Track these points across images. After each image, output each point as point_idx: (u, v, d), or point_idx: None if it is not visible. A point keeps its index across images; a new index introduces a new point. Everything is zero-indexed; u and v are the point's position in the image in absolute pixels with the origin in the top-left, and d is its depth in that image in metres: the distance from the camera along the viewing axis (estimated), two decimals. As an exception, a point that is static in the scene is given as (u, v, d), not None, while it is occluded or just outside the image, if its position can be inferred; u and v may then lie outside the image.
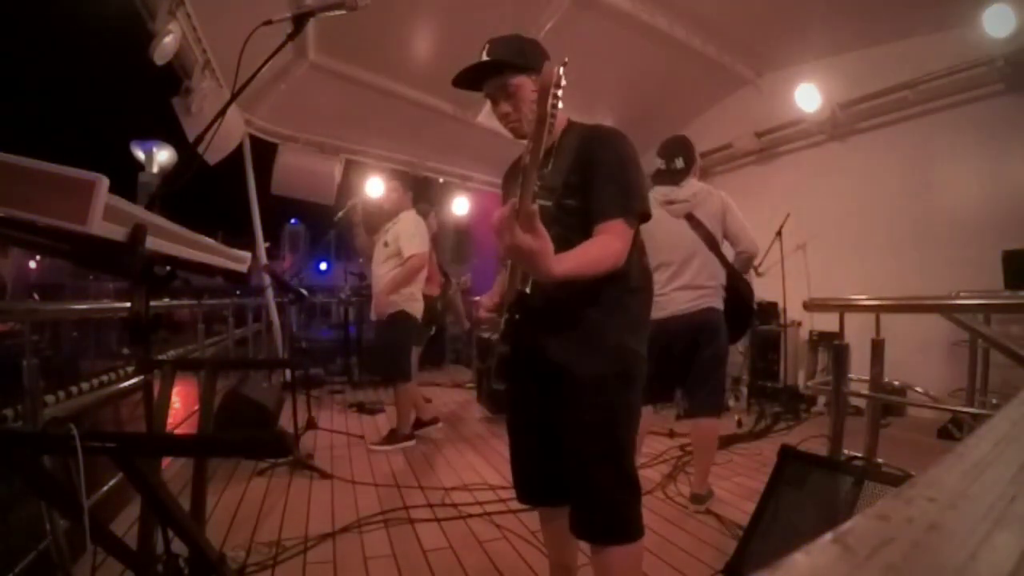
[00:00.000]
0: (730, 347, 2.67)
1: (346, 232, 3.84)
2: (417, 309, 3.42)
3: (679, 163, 2.57)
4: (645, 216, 1.26)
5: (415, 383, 3.60)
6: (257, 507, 2.40)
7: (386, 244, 3.40)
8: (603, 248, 1.17)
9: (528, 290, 1.20)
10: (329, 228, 4.11)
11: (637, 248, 1.31)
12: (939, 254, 3.94)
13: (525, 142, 1.28)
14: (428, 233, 3.56)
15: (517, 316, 1.24)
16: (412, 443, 3.42)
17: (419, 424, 3.61)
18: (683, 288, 2.45)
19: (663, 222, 2.44)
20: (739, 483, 2.75)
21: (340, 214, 3.73)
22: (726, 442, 3.40)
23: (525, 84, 1.29)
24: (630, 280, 1.29)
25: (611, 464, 1.26)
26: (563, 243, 1.07)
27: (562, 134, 1.33)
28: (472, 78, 1.32)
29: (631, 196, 1.22)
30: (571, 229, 1.20)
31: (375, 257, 3.45)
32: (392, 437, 3.40)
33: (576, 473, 1.29)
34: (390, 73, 4.83)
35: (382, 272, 3.36)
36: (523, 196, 0.93)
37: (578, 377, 1.26)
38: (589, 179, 1.23)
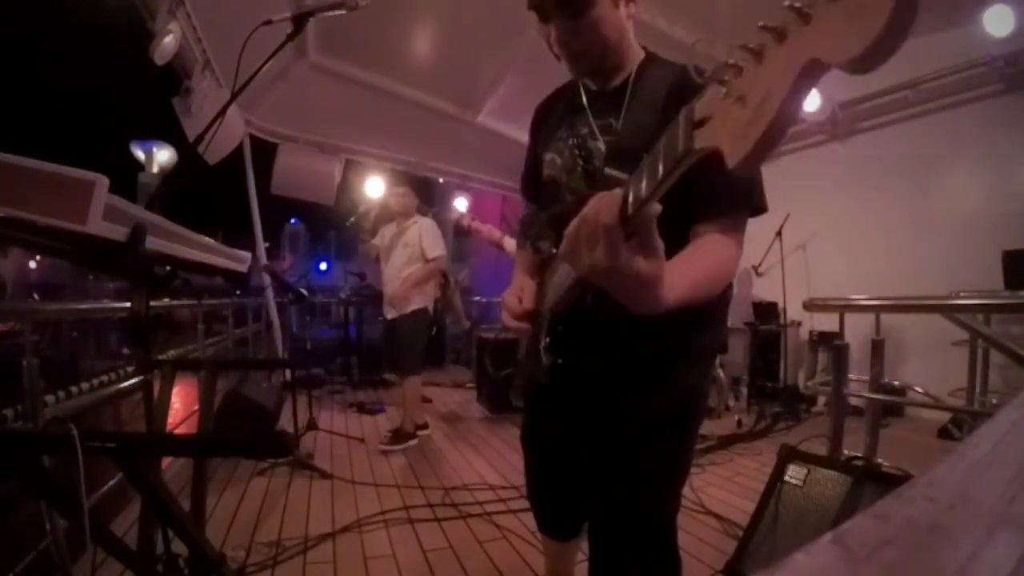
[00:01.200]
0: (730, 347, 2.72)
1: (355, 236, 3.87)
2: (430, 307, 3.59)
3: None
4: (762, 210, 0.90)
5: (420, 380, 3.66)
6: (257, 507, 2.40)
7: (406, 246, 3.51)
8: (724, 261, 0.83)
9: (588, 300, 0.88)
10: (330, 228, 4.13)
11: None
12: (939, 254, 3.94)
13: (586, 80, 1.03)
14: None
15: (561, 328, 0.96)
16: (415, 442, 3.44)
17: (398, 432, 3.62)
18: None
19: None
20: (739, 483, 2.75)
21: (352, 219, 3.78)
22: (726, 442, 3.40)
23: (601, 3, 0.93)
24: (723, 304, 1.00)
25: (658, 524, 1.03)
26: None
27: (640, 68, 0.97)
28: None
29: (755, 182, 0.87)
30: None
31: (393, 260, 3.53)
32: (400, 436, 3.41)
33: (612, 528, 1.04)
34: (390, 73, 4.83)
35: (405, 274, 3.46)
36: (640, 189, 0.55)
37: (639, 417, 0.98)
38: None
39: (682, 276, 0.71)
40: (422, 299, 3.49)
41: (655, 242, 0.60)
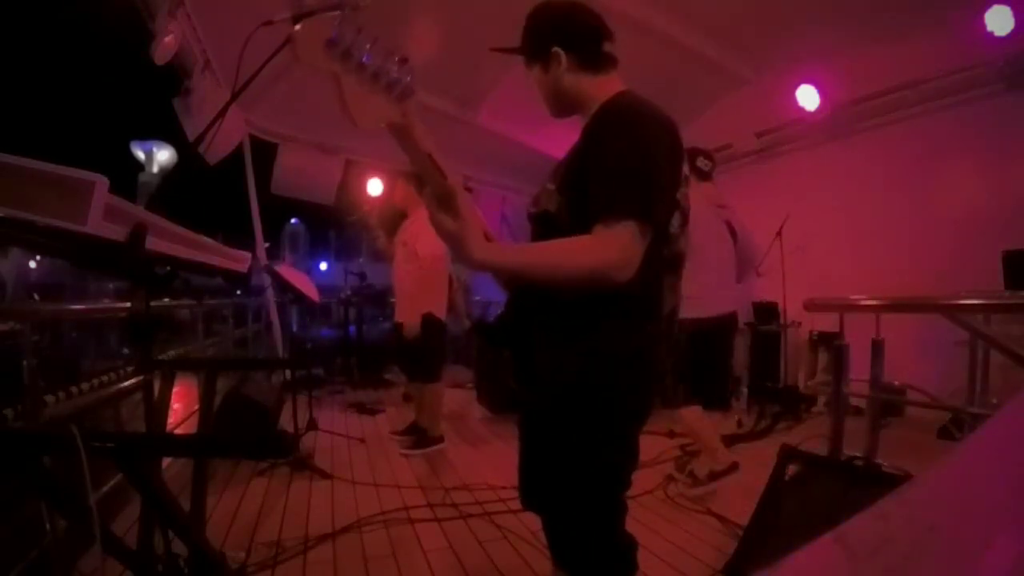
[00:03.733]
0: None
1: (367, 237, 3.82)
2: (443, 313, 3.36)
3: (709, 164, 2.75)
4: (656, 222, 0.97)
5: (442, 385, 3.51)
6: (257, 507, 2.40)
7: (404, 244, 3.35)
8: (574, 250, 0.94)
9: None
10: (330, 228, 4.13)
11: (658, 272, 1.05)
12: (939, 254, 3.94)
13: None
14: None
15: (509, 313, 1.16)
16: (437, 447, 3.34)
17: (412, 426, 3.59)
18: (726, 289, 2.68)
19: (713, 224, 2.63)
20: (739, 483, 2.74)
21: (354, 216, 3.72)
22: (726, 442, 3.39)
23: (535, 72, 1.17)
24: (626, 306, 1.02)
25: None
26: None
27: (592, 116, 1.11)
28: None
29: (633, 190, 0.94)
30: (578, 226, 0.97)
31: (396, 258, 3.41)
32: (423, 440, 3.33)
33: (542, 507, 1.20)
34: (390, 73, 4.82)
35: (403, 273, 3.32)
36: (438, 170, 0.87)
37: (536, 403, 1.12)
38: (587, 167, 1.01)
39: (507, 248, 0.97)
40: (427, 303, 3.24)
41: (459, 209, 0.87)
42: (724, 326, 2.72)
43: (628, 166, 0.95)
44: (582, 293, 0.97)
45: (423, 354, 3.31)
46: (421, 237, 3.19)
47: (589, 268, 0.92)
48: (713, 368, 2.78)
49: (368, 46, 0.75)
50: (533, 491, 1.20)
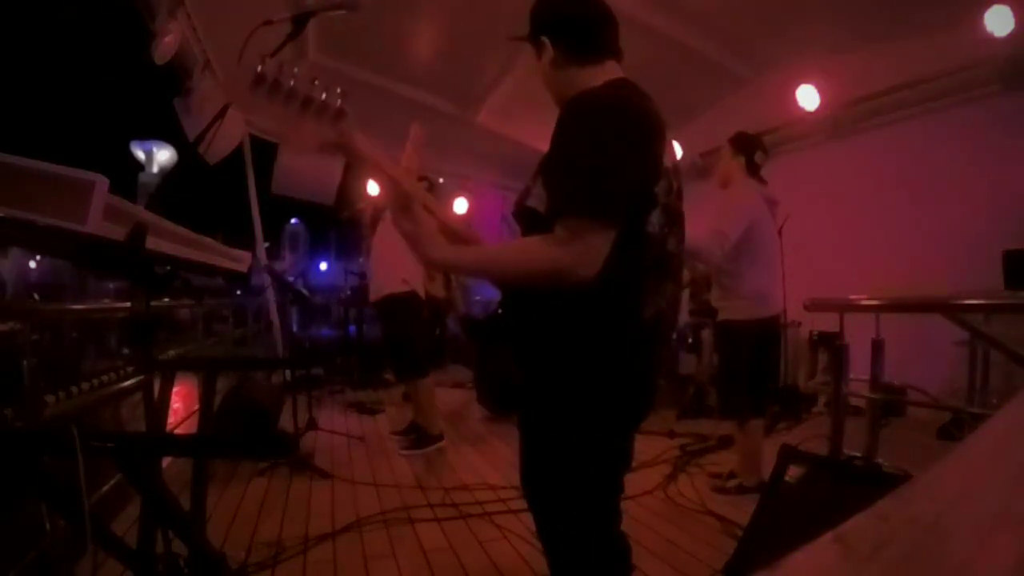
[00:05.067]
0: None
1: (360, 232, 3.82)
2: (421, 290, 3.31)
3: (764, 159, 2.72)
4: (619, 218, 0.91)
5: (431, 380, 3.43)
6: (257, 507, 2.40)
7: (384, 219, 3.34)
8: (529, 249, 0.94)
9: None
10: (330, 228, 4.13)
11: (635, 273, 0.99)
12: (939, 254, 3.93)
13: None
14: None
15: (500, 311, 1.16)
16: (437, 446, 3.31)
17: (411, 426, 3.58)
18: (778, 288, 2.68)
19: (771, 223, 2.62)
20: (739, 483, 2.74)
21: (345, 213, 3.70)
22: (726, 442, 3.40)
23: (532, 56, 1.14)
24: (607, 308, 0.97)
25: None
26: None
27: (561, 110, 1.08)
28: None
29: (589, 186, 0.89)
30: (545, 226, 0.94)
31: (376, 236, 3.39)
32: (422, 440, 3.30)
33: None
34: (390, 73, 4.83)
35: (380, 244, 3.30)
36: (388, 177, 0.95)
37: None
38: (549, 161, 0.99)
39: (463, 248, 1.08)
40: (401, 280, 3.19)
41: (415, 211, 0.95)
42: (777, 325, 2.71)
43: (584, 162, 0.91)
44: (556, 294, 0.95)
45: (405, 345, 3.27)
46: None
47: (545, 267, 0.90)
48: (766, 371, 2.73)
49: (291, 79, 0.81)
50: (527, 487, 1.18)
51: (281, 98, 0.81)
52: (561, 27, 1.09)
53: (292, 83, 0.81)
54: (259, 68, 0.77)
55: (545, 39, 1.09)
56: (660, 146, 1.00)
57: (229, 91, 0.79)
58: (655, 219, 0.98)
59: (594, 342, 0.99)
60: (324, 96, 0.84)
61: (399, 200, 0.95)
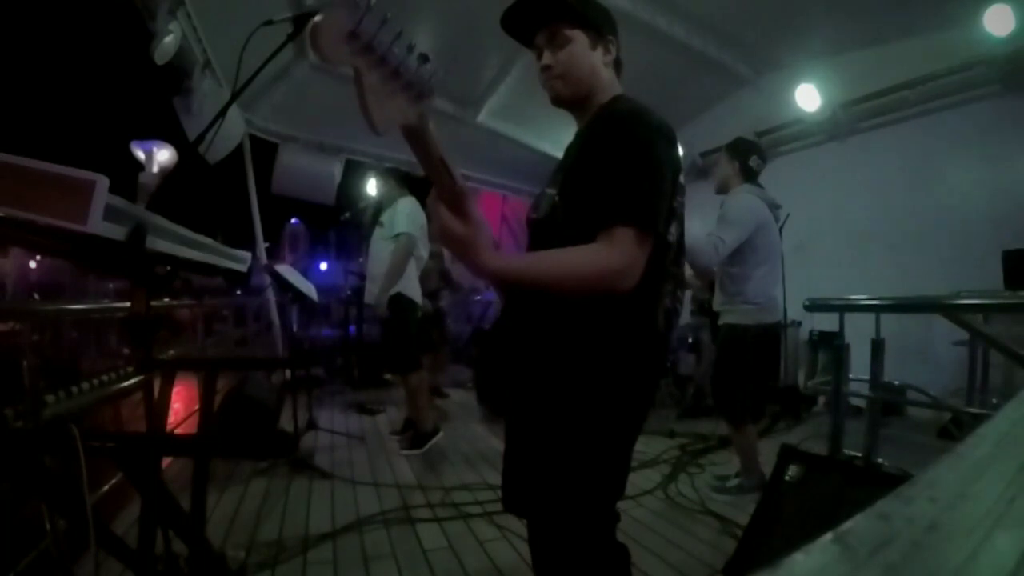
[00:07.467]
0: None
1: (363, 232, 3.81)
2: (414, 293, 3.30)
3: (760, 164, 2.66)
4: (659, 231, 0.96)
5: (424, 374, 3.39)
6: (257, 507, 2.40)
7: (381, 224, 3.35)
8: (580, 258, 0.93)
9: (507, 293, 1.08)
10: (330, 228, 4.13)
11: (655, 282, 1.00)
12: (939, 254, 3.94)
13: (562, 110, 1.14)
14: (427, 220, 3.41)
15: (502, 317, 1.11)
16: (435, 440, 3.30)
17: (406, 423, 3.55)
18: (779, 292, 2.63)
19: (774, 227, 2.59)
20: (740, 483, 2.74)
21: (347, 214, 3.70)
22: (726, 442, 3.40)
23: (579, 40, 1.07)
24: (628, 317, 0.99)
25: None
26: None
27: (597, 111, 1.10)
28: (524, 19, 1.09)
29: (637, 198, 0.93)
30: (579, 233, 0.95)
31: (373, 238, 3.39)
32: (419, 438, 3.30)
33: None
34: (390, 73, 4.82)
35: (378, 251, 3.29)
36: (449, 173, 0.83)
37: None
38: (590, 172, 1.00)
39: (516, 258, 0.94)
40: (391, 282, 3.19)
41: (470, 213, 0.84)
42: (779, 330, 2.70)
43: (633, 174, 0.94)
44: (577, 302, 0.96)
45: (397, 340, 3.26)
46: (396, 217, 3.24)
47: (595, 276, 0.91)
48: (766, 376, 2.73)
49: (390, 41, 0.68)
50: (516, 495, 1.15)
51: (373, 62, 0.68)
52: (615, 35, 1.13)
53: (390, 46, 0.68)
54: (357, 24, 0.63)
55: (613, 38, 1.12)
56: (679, 161, 1.05)
57: (320, 40, 0.67)
58: (673, 229, 1.03)
59: (613, 350, 1.00)
60: (417, 70, 0.73)
61: (455, 200, 0.84)
